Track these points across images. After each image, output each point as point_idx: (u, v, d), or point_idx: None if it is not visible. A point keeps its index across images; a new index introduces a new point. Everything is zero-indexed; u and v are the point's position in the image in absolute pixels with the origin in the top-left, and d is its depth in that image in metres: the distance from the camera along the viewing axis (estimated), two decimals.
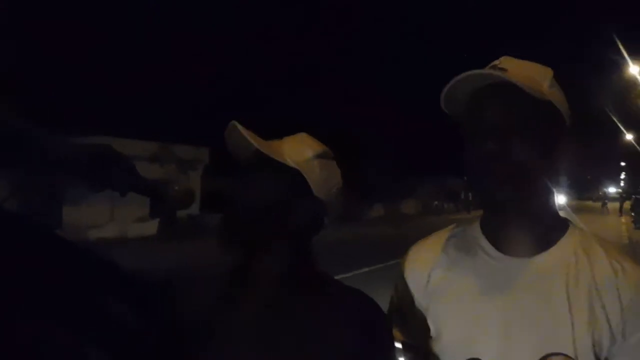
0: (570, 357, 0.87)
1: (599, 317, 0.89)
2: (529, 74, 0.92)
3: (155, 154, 16.66)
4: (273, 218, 0.96)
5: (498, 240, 0.97)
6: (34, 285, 1.01)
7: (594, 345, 0.88)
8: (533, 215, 0.94)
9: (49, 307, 1.01)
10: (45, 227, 1.12)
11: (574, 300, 0.90)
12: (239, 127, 0.96)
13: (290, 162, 0.97)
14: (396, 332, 1.04)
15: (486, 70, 0.91)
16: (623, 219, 28.95)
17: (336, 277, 1.04)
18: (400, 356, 1.05)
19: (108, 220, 14.48)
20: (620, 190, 68.09)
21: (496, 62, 0.95)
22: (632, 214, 29.60)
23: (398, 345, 1.04)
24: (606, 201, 42.51)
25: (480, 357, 0.92)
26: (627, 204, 36.26)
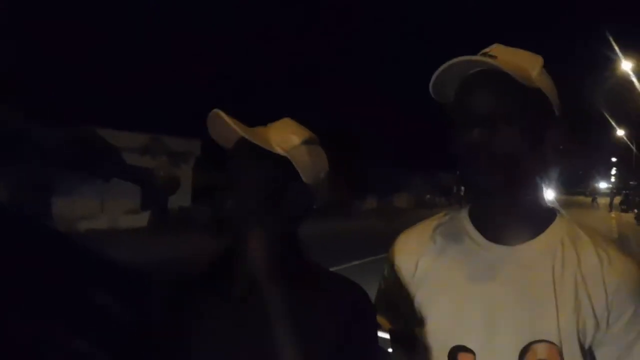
0: (554, 344, 0.88)
1: (584, 305, 0.89)
2: (518, 61, 0.92)
3: (147, 145, 16.57)
4: (263, 206, 0.95)
5: (485, 228, 0.97)
6: (26, 278, 1.01)
7: (578, 333, 0.89)
8: (520, 204, 0.94)
9: (42, 302, 1.00)
10: (38, 220, 1.12)
11: (559, 288, 0.90)
12: (223, 115, 0.95)
13: (279, 150, 0.97)
14: (384, 320, 1.04)
15: (476, 57, 0.91)
16: (613, 214, 29.22)
17: None
18: (388, 344, 1.06)
19: (98, 211, 14.39)
20: (611, 185, 68.64)
21: (487, 49, 0.94)
22: (622, 207, 29.93)
23: (385, 335, 1.05)
24: (596, 196, 42.85)
25: (465, 344, 0.92)
26: (617, 199, 36.65)
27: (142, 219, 15.30)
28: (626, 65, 20.31)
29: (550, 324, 0.89)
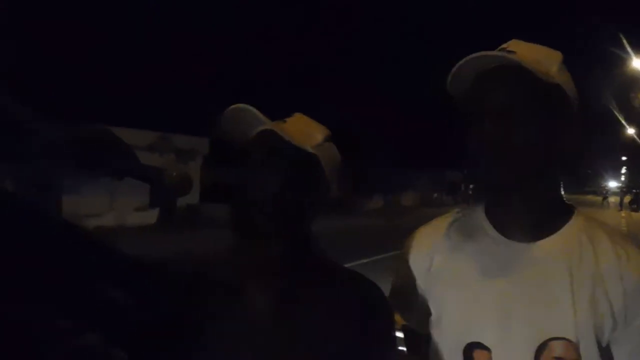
0: (571, 341, 0.87)
1: (601, 303, 0.88)
2: (537, 56, 0.91)
3: (155, 143, 16.63)
4: (290, 202, 0.94)
5: (502, 224, 0.96)
6: (34, 270, 1.01)
7: (595, 330, 0.88)
8: (538, 200, 0.93)
9: (52, 296, 1.00)
10: (47, 212, 1.12)
11: (576, 285, 0.89)
12: (253, 110, 0.93)
13: (308, 147, 0.96)
14: (397, 317, 1.04)
15: (495, 52, 0.90)
16: (623, 213, 29.02)
17: None
18: (401, 343, 1.05)
19: (107, 209, 14.48)
20: (620, 184, 68.17)
21: (504, 45, 0.93)
22: (632, 206, 29.68)
23: (399, 333, 1.04)
24: (606, 195, 42.43)
25: (480, 341, 0.92)
26: (628, 198, 36.38)
27: (150, 217, 15.37)
28: (637, 63, 20.12)
29: (566, 321, 0.88)
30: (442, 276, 0.99)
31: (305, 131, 0.98)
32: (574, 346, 0.87)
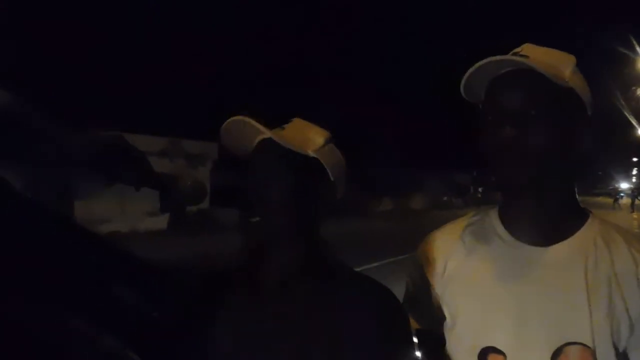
0: (587, 347, 0.87)
1: (618, 307, 0.88)
2: (551, 60, 0.91)
3: (165, 149, 16.72)
4: (296, 206, 0.95)
5: (516, 228, 0.96)
6: (49, 272, 1.02)
7: (612, 336, 0.87)
8: (552, 204, 0.93)
9: (69, 298, 1.01)
10: (62, 215, 1.13)
11: (592, 290, 0.89)
12: (252, 121, 0.94)
13: (310, 152, 0.97)
14: (411, 321, 1.03)
15: (509, 56, 0.90)
16: (635, 215, 28.69)
17: None
18: (416, 347, 1.05)
19: (118, 214, 14.56)
20: (632, 186, 67.42)
21: (518, 49, 0.94)
22: None
23: (414, 339, 1.04)
24: (617, 197, 41.90)
25: (495, 345, 0.91)
26: (639, 201, 35.96)
27: (162, 222, 15.44)
28: None
29: (583, 326, 0.88)
30: (456, 280, 0.99)
31: (304, 136, 0.99)
32: (590, 351, 0.87)
